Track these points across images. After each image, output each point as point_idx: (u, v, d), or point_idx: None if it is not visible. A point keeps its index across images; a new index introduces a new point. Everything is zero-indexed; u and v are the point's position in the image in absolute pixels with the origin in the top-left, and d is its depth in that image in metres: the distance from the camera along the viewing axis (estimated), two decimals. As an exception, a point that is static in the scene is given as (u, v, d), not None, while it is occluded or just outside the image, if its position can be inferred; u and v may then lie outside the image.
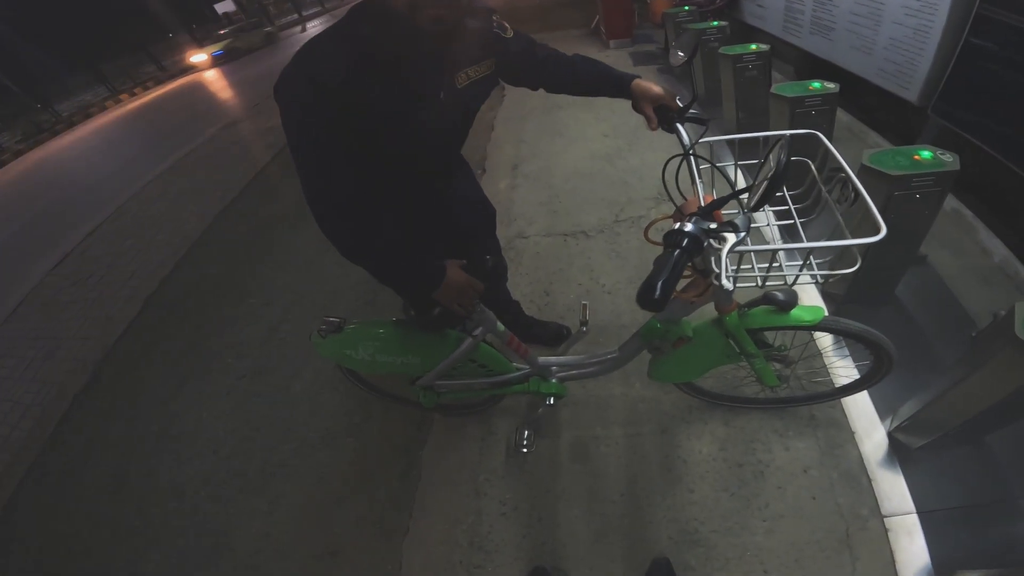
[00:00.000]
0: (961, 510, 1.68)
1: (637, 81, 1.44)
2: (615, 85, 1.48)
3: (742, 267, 1.18)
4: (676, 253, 0.93)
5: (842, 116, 3.43)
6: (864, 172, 1.87)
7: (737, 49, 3.58)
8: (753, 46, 3.57)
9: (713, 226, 1.02)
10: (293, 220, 4.49)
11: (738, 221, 1.03)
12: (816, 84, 2.70)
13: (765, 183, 0.93)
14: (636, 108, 1.46)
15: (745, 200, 1.13)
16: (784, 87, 2.77)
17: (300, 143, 1.11)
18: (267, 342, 3.13)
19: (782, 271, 1.13)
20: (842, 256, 1.19)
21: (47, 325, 4.11)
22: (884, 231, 1.02)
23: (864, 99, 3.21)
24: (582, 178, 3.97)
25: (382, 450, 2.31)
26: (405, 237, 1.33)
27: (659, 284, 0.86)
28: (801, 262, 1.12)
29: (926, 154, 1.83)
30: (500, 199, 3.90)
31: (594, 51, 7.13)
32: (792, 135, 1.00)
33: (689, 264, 1.10)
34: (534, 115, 5.19)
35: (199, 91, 14.16)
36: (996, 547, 1.60)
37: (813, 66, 3.61)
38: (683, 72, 5.28)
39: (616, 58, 6.61)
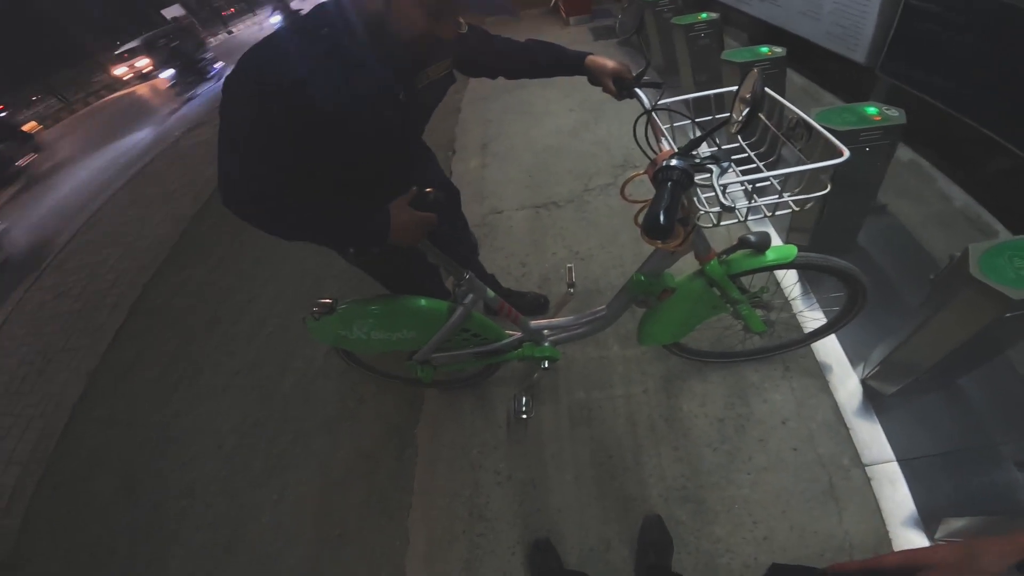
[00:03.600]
0: (940, 457, 1.74)
1: (591, 57, 1.51)
2: (570, 64, 1.54)
3: (716, 208, 1.24)
4: (670, 185, 0.99)
5: (797, 79, 3.51)
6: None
7: (688, 19, 3.65)
8: (703, 15, 3.64)
9: (697, 160, 1.09)
10: None
11: (718, 155, 1.10)
12: (764, 49, 2.79)
13: (746, 111, 1.01)
14: (594, 82, 1.53)
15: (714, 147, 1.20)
16: (734, 53, 2.86)
17: (236, 134, 1.08)
18: (255, 337, 3.13)
19: (761, 201, 1.21)
20: (809, 187, 1.26)
21: (36, 340, 4.05)
22: (847, 153, 1.12)
23: (816, 62, 3.27)
24: (550, 152, 4.04)
25: (378, 431, 2.35)
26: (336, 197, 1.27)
27: (661, 212, 0.92)
28: (774, 198, 1.21)
29: (872, 110, 1.93)
30: (471, 178, 3.95)
31: (556, 28, 7.15)
32: (749, 75, 1.06)
33: None
34: (499, 95, 5.19)
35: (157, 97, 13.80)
36: (977, 493, 1.65)
37: (766, 32, 3.66)
38: (642, 43, 5.33)
39: (576, 34, 6.63)
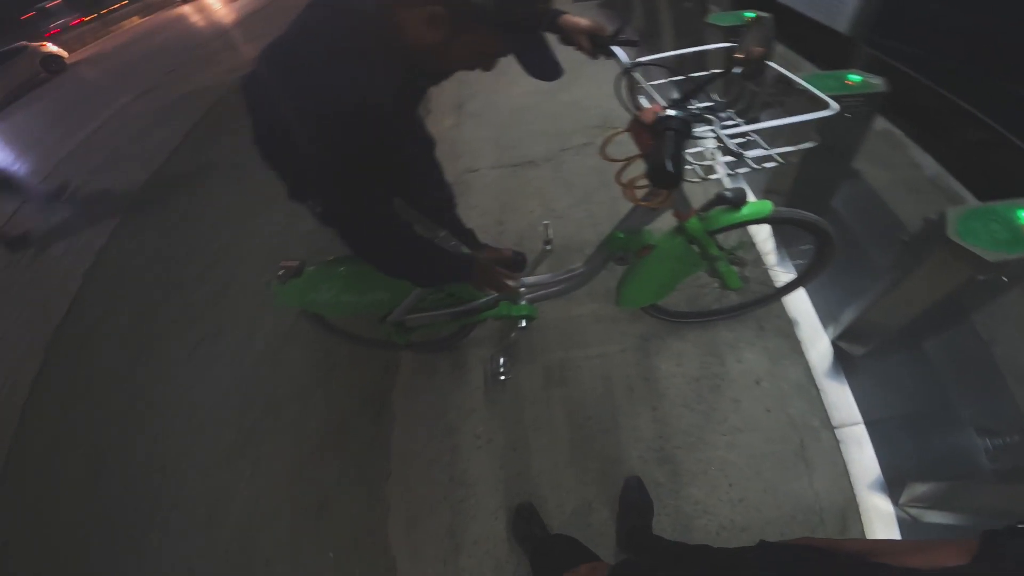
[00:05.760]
0: (904, 419, 1.79)
1: (564, 16, 1.46)
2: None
3: (703, 162, 1.24)
4: (672, 134, 0.96)
5: (776, 46, 3.52)
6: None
7: (672, -18, 3.57)
8: (689, -21, 3.55)
9: (695, 111, 1.09)
10: (224, 178, 4.33)
11: (715, 107, 1.10)
12: (750, 14, 2.74)
13: (749, 62, 1.04)
14: (566, 41, 1.47)
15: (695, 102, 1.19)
16: (719, 17, 2.82)
17: (343, 172, 1.04)
18: (218, 304, 3.02)
19: (749, 155, 1.20)
20: (791, 142, 1.27)
21: None
22: (835, 106, 1.13)
23: (794, 29, 3.29)
24: (526, 112, 3.98)
25: (352, 397, 2.30)
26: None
27: (667, 160, 0.90)
28: (759, 152, 1.21)
29: (856, 77, 1.94)
30: (445, 137, 3.87)
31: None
32: (756, 29, 1.05)
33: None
34: (473, 55, 5.03)
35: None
36: (939, 456, 1.70)
37: (749, -2, 3.65)
38: (624, 5, 5.28)
39: (559, -7, 6.45)
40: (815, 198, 2.37)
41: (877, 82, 1.91)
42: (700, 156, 1.27)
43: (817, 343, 2.03)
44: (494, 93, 4.34)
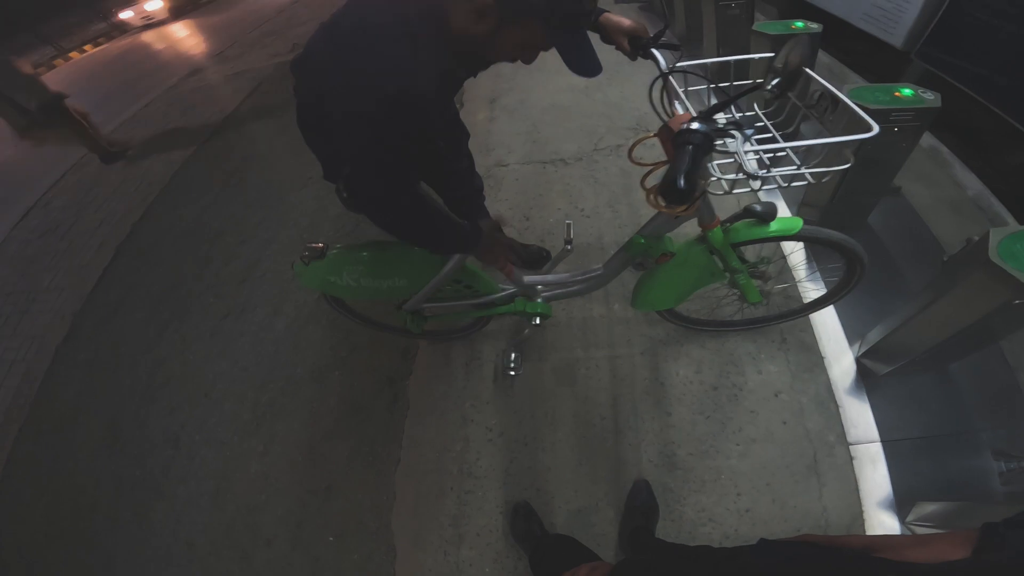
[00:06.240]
0: (922, 440, 1.76)
1: (606, 14, 1.45)
2: None
3: (728, 176, 1.22)
4: (691, 149, 0.95)
5: (823, 57, 3.44)
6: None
7: (723, -12, 3.48)
8: (740, -15, 3.47)
9: (720, 125, 1.05)
10: (263, 160, 4.38)
11: (741, 122, 1.07)
12: (799, 23, 2.66)
13: (776, 80, 1.01)
14: (607, 41, 1.46)
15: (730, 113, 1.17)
16: (767, 25, 2.73)
17: (378, 154, 1.08)
18: (246, 280, 3.06)
19: (776, 172, 1.18)
20: (827, 161, 1.23)
21: (18, 280, 3.89)
22: (876, 128, 1.09)
23: (844, 41, 3.22)
24: (560, 110, 3.94)
25: (369, 382, 2.32)
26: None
27: (681, 176, 0.88)
28: (791, 169, 1.18)
29: (907, 92, 1.87)
30: (478, 130, 3.85)
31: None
32: (794, 42, 1.02)
33: None
34: (512, 50, 5.01)
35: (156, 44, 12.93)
36: (953, 478, 1.68)
37: (798, 8, 3.57)
38: (666, 8, 5.21)
39: (599, -5, 6.42)
40: (852, 214, 2.33)
41: (931, 97, 1.84)
42: (727, 168, 1.25)
43: (841, 359, 1.99)
44: (529, 89, 4.31)
